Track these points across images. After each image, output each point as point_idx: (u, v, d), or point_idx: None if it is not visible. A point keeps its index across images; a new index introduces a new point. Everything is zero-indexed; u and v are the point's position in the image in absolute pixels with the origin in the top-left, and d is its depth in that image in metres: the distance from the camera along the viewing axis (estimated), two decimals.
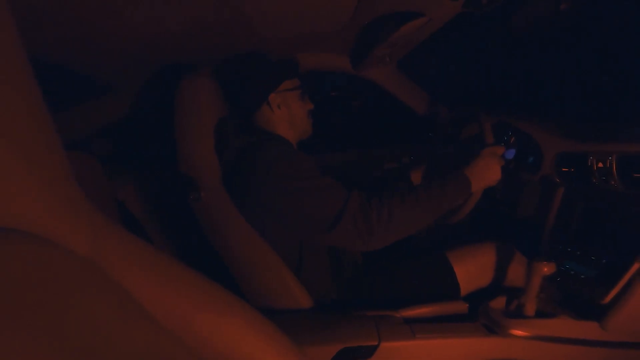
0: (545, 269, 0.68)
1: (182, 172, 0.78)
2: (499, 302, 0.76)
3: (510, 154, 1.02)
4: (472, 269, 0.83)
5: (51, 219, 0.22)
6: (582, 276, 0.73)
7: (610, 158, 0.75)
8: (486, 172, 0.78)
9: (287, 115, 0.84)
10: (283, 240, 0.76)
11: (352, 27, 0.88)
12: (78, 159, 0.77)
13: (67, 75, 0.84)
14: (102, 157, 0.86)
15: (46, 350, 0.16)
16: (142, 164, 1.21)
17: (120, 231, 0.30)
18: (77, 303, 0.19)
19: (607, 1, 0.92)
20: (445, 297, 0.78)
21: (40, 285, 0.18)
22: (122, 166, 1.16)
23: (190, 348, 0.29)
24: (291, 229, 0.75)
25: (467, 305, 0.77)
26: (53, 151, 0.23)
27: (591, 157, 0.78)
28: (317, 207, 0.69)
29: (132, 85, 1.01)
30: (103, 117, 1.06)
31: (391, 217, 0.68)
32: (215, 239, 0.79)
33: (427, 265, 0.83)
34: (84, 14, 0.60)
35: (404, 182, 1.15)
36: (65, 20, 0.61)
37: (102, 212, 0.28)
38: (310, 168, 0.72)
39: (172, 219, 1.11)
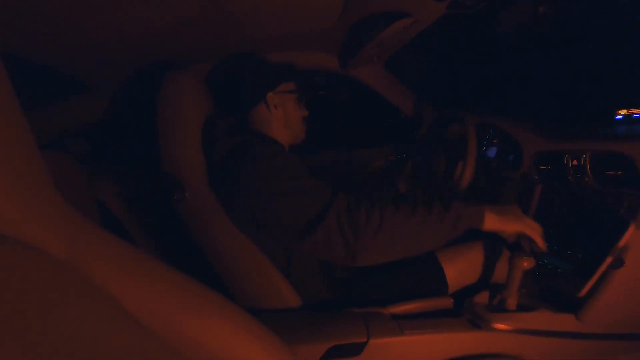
0: (525, 264, 0.70)
1: (165, 171, 0.76)
2: (482, 298, 0.78)
3: (492, 152, 1.05)
4: (461, 267, 0.85)
5: (26, 220, 0.21)
6: (559, 270, 0.76)
7: (584, 156, 0.78)
8: (508, 217, 0.69)
9: (282, 116, 0.84)
10: (271, 241, 0.76)
11: (339, 26, 0.88)
12: (54, 158, 0.74)
13: (42, 72, 0.80)
14: (79, 156, 0.83)
15: (25, 357, 0.15)
16: (123, 163, 1.18)
17: (100, 232, 0.29)
18: (56, 307, 0.19)
19: (584, 6, 0.96)
20: (434, 296, 0.80)
21: (16, 289, 0.17)
22: (102, 166, 1.12)
23: (177, 350, 0.29)
24: (272, 235, 0.72)
25: (452, 300, 0.79)
26: (27, 151, 0.22)
27: (567, 156, 0.82)
28: (298, 207, 0.65)
29: (112, 84, 0.97)
30: (80, 116, 1.02)
31: (381, 226, 0.62)
32: (201, 239, 0.77)
33: (417, 266, 0.84)
34: (60, 9, 0.57)
35: (389, 181, 1.17)
36: (40, 15, 0.58)
37: (80, 213, 0.27)
38: (297, 169, 0.71)
39: (155, 219, 1.08)
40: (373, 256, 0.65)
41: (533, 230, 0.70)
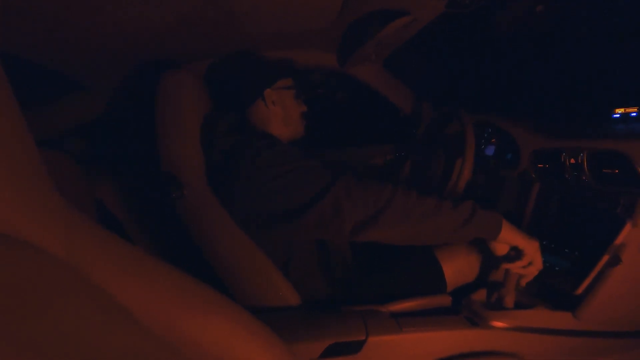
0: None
1: (164, 169, 0.76)
2: (481, 295, 0.78)
3: (490, 151, 1.06)
4: (459, 265, 0.85)
5: (24, 219, 0.21)
6: (557, 268, 0.77)
7: (581, 154, 0.78)
8: (523, 239, 0.66)
9: (281, 113, 0.84)
10: (271, 239, 0.76)
11: (338, 24, 0.88)
12: (52, 157, 0.74)
13: (41, 71, 0.80)
14: (77, 155, 0.83)
15: (22, 356, 0.15)
16: (122, 162, 1.17)
17: (98, 230, 0.29)
18: (54, 306, 0.19)
19: (581, 5, 0.96)
20: (432, 294, 0.80)
21: (14, 288, 0.17)
22: (100, 165, 1.12)
23: (176, 349, 0.29)
24: (276, 224, 0.69)
25: (451, 298, 0.80)
26: (25, 150, 0.22)
27: (564, 154, 0.82)
28: (301, 186, 0.63)
29: (110, 82, 0.97)
30: (79, 115, 1.02)
31: (391, 200, 0.59)
32: (200, 237, 0.77)
33: (416, 264, 0.84)
34: (58, 8, 0.57)
35: (387, 180, 1.17)
36: (38, 14, 0.58)
37: (78, 211, 0.27)
38: (296, 155, 0.69)
39: (153, 218, 1.08)
40: (376, 232, 0.61)
41: (535, 251, 0.66)
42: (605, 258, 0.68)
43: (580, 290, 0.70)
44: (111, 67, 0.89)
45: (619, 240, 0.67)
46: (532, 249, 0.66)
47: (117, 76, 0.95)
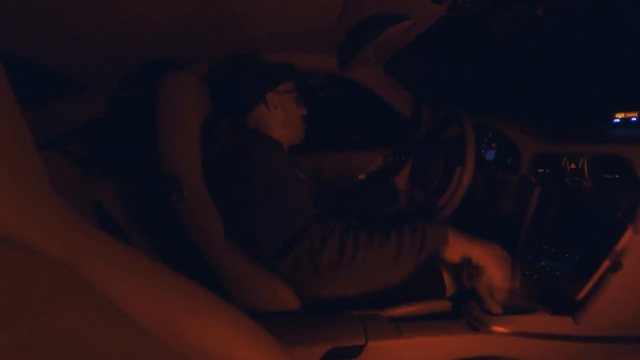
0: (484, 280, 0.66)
1: (164, 171, 0.75)
2: (481, 300, 0.78)
3: (490, 155, 1.06)
4: (459, 270, 0.85)
5: (23, 221, 0.21)
6: (557, 273, 0.76)
7: (582, 159, 0.78)
8: (483, 251, 0.64)
9: (282, 116, 0.84)
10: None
11: (338, 28, 0.88)
12: (52, 158, 0.73)
13: (41, 72, 0.80)
14: (77, 156, 0.82)
15: (21, 358, 0.15)
16: (122, 163, 1.17)
17: (97, 233, 0.28)
18: (53, 309, 0.18)
19: (582, 8, 0.97)
20: (432, 299, 0.80)
21: (12, 290, 0.17)
22: (100, 166, 1.12)
23: (175, 352, 0.28)
24: (242, 244, 0.68)
25: (451, 303, 0.79)
26: (24, 151, 0.22)
27: (565, 159, 0.82)
28: (278, 224, 0.61)
29: (111, 83, 0.97)
30: (79, 116, 1.02)
31: (355, 255, 0.58)
32: (199, 239, 0.77)
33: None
34: (58, 7, 0.57)
35: (386, 182, 1.17)
36: (40, 14, 0.58)
37: (77, 214, 0.27)
38: (288, 177, 0.67)
39: (153, 220, 1.08)
40: (341, 285, 0.61)
41: (492, 261, 0.62)
42: (606, 263, 0.68)
43: (581, 295, 0.70)
44: (112, 68, 0.89)
45: (620, 245, 0.67)
46: (486, 259, 0.62)
47: (118, 77, 0.95)
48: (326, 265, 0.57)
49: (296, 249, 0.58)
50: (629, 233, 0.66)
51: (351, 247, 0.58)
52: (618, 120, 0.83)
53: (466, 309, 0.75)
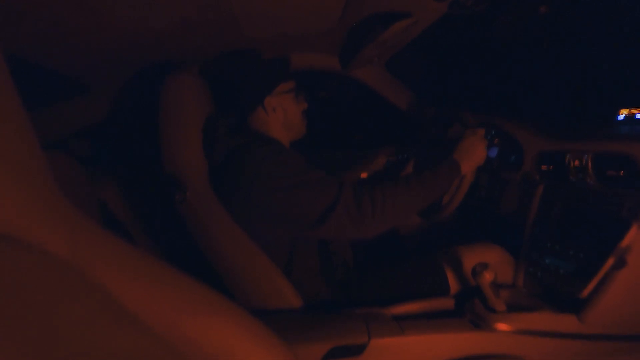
0: (487, 276, 0.69)
1: (167, 172, 0.76)
2: (484, 298, 0.78)
3: (493, 152, 1.05)
4: (462, 269, 0.85)
5: (28, 220, 0.21)
6: (561, 271, 0.76)
7: (586, 157, 0.78)
8: (472, 152, 0.82)
9: (282, 118, 0.83)
10: (273, 241, 0.76)
11: (340, 27, 0.88)
12: (57, 158, 0.74)
13: (46, 73, 0.80)
14: (81, 157, 0.83)
15: (25, 357, 0.15)
16: (126, 164, 1.18)
17: (102, 232, 0.29)
18: (57, 307, 0.19)
19: (585, 6, 0.96)
20: (435, 297, 0.80)
21: (17, 288, 0.17)
22: (104, 166, 1.13)
23: (177, 350, 0.29)
24: (284, 228, 0.74)
25: (454, 301, 0.79)
26: (30, 151, 0.22)
27: (568, 156, 0.81)
28: (309, 200, 0.69)
29: (114, 85, 0.98)
30: (83, 117, 1.02)
31: (385, 203, 0.69)
32: (202, 239, 0.78)
33: (418, 266, 0.84)
34: (63, 10, 0.58)
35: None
36: (44, 16, 0.58)
37: (82, 213, 0.27)
38: (300, 164, 0.72)
39: (156, 220, 1.09)
40: (383, 227, 0.72)
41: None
42: (611, 261, 0.67)
43: (585, 293, 0.69)
44: (115, 69, 0.90)
45: (625, 242, 0.66)
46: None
47: (122, 78, 0.96)
48: (364, 216, 0.68)
49: (335, 214, 0.67)
50: (633, 230, 0.66)
51: (379, 194, 0.70)
52: (622, 117, 0.83)
53: (470, 307, 0.75)
